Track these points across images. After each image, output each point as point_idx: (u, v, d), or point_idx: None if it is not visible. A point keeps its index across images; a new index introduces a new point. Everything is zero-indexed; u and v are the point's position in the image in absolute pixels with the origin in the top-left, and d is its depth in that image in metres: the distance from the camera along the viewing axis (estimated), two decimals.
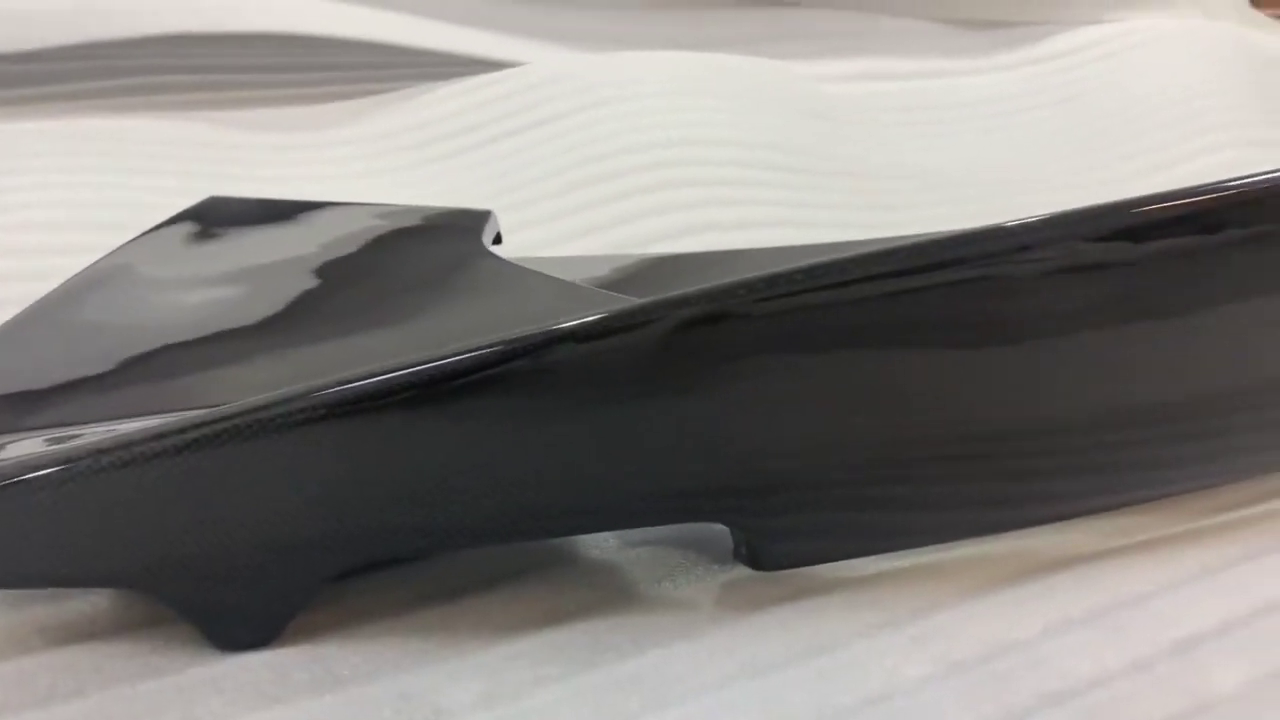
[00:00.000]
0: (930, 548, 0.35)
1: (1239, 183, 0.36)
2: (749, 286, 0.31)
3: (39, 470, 0.30)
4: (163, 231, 0.54)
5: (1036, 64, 0.94)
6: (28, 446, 0.33)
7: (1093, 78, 0.91)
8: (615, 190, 0.63)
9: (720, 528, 0.34)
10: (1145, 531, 0.37)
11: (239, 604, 0.31)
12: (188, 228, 0.55)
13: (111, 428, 0.33)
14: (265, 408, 0.30)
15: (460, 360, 0.29)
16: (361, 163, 0.72)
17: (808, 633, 0.32)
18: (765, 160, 0.68)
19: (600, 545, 0.36)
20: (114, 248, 0.50)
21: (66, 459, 0.30)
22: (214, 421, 0.30)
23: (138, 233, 0.52)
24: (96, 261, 0.48)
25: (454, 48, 0.77)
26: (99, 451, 0.30)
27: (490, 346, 0.29)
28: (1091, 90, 0.89)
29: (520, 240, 0.61)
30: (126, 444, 0.30)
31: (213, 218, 0.55)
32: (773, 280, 0.31)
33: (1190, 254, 0.36)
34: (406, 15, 0.78)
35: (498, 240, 0.52)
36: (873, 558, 0.35)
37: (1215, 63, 0.91)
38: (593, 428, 0.31)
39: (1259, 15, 1.33)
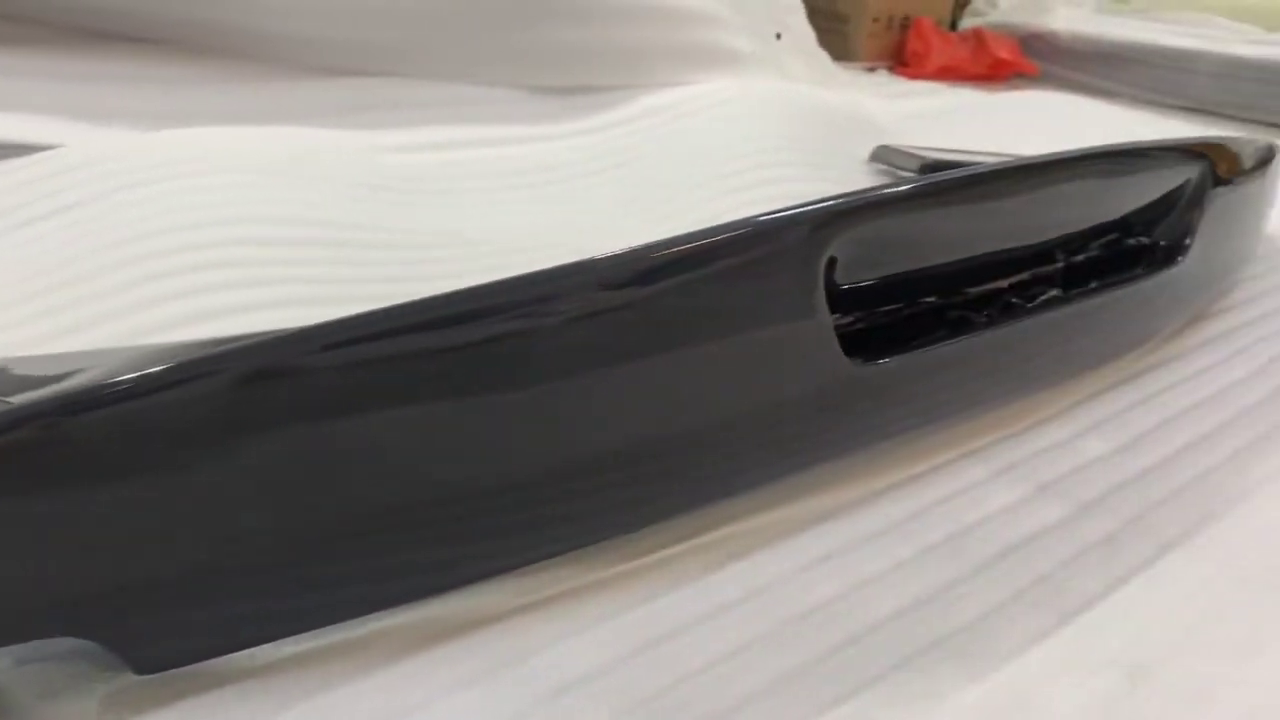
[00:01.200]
0: (338, 625, 0.37)
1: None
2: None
3: None
4: None
5: (607, 129, 0.98)
6: None
7: (657, 140, 0.96)
8: (135, 275, 0.61)
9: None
10: (556, 585, 0.40)
11: None
12: None
13: None
14: None
15: None
16: None
17: None
18: (307, 237, 0.69)
19: None
20: None
21: None
22: None
23: None
24: None
25: None
26: None
27: None
28: (653, 153, 0.94)
29: (30, 334, 0.59)
30: None
31: None
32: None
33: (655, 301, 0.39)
34: None
35: None
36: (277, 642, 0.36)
37: (772, 121, 0.99)
38: None
39: (842, 72, 1.47)
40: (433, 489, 0.36)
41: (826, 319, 0.42)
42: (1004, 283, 0.54)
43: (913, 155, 0.96)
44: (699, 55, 1.10)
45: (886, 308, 0.49)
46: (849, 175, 0.96)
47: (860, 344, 0.46)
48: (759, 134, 0.95)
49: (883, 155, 1.00)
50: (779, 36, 1.27)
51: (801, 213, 0.40)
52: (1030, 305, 0.54)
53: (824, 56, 1.41)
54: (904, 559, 0.44)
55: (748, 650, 0.38)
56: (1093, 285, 0.58)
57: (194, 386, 0.32)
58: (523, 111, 0.98)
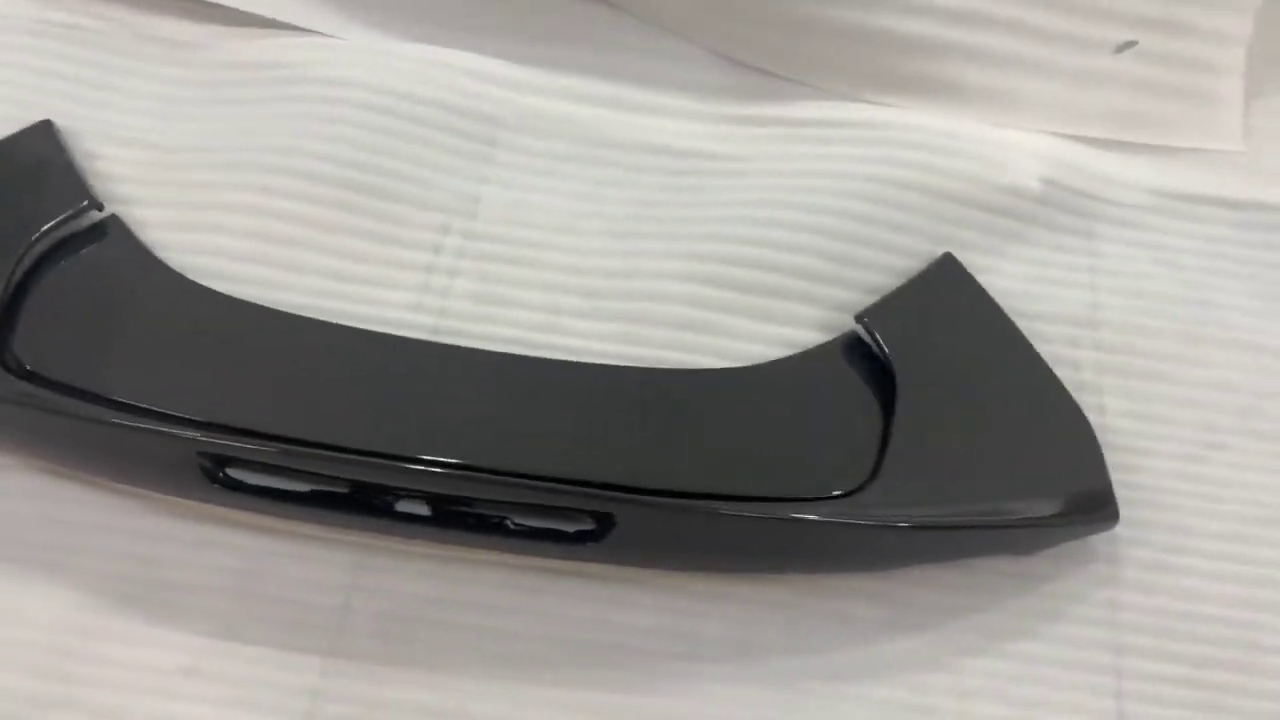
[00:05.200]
0: None
1: None
2: None
3: None
4: None
5: (770, 125, 1.10)
6: None
7: (775, 161, 1.07)
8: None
9: None
10: None
11: None
12: None
13: None
14: None
15: None
16: None
17: None
18: (345, 179, 1.02)
19: None
20: None
21: None
22: None
23: None
24: None
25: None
26: None
27: None
28: (752, 179, 1.06)
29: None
30: None
31: None
32: None
33: None
34: None
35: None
36: None
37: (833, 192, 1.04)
38: None
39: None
40: None
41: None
42: None
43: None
44: (912, 80, 1.12)
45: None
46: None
47: None
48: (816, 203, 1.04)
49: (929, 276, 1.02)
50: (1126, 46, 1.16)
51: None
52: None
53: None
54: None
55: None
56: None
57: None
58: (710, 81, 1.13)
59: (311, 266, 0.99)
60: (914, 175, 1.06)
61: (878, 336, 0.96)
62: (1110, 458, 0.95)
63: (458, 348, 0.91)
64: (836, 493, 0.85)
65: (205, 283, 0.96)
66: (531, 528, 0.83)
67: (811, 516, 0.82)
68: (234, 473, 0.83)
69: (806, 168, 1.07)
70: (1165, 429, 0.98)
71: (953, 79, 1.12)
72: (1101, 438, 0.96)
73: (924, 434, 0.90)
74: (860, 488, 0.85)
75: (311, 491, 0.83)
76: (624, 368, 0.92)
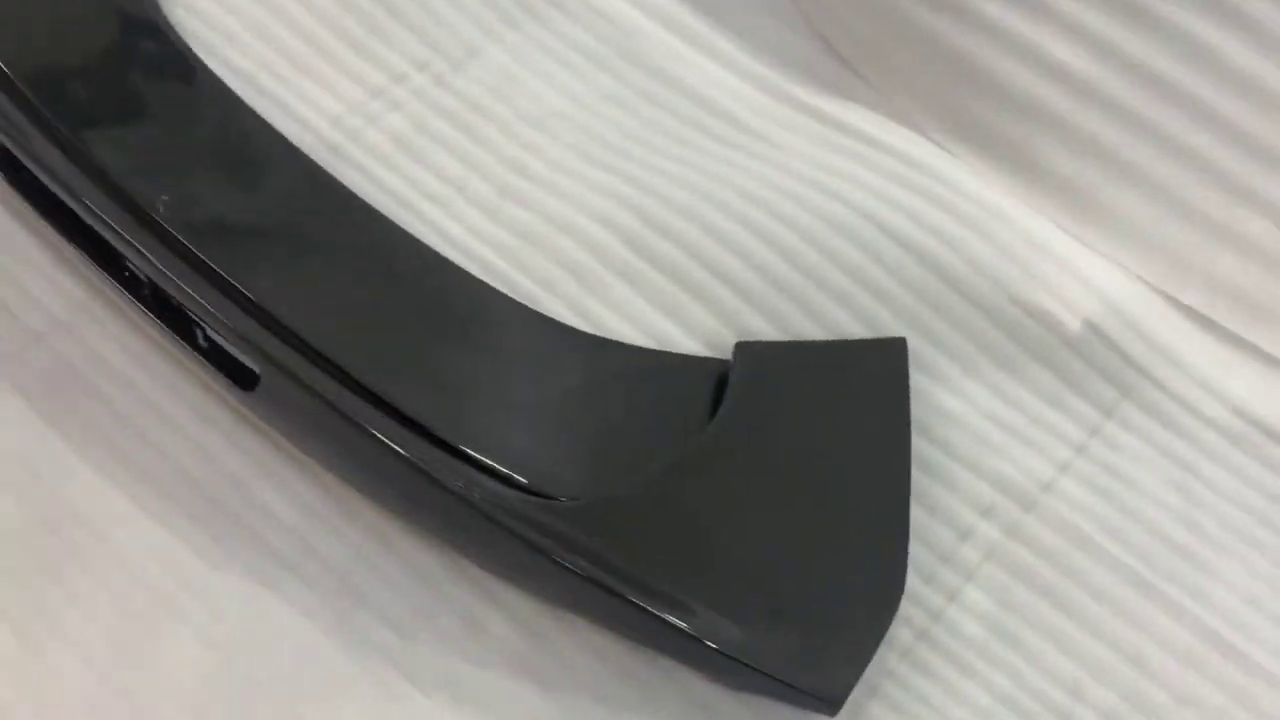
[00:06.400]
0: None
1: None
2: None
3: None
4: None
5: (830, 125, 0.93)
6: None
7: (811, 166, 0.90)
8: None
9: None
10: None
11: None
12: None
13: None
14: None
15: None
16: None
17: None
18: None
19: None
20: None
21: None
22: None
23: None
24: None
25: None
26: None
27: None
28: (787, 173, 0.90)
29: None
30: None
31: None
32: None
33: None
34: None
35: None
36: None
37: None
38: None
39: None
40: None
41: None
42: None
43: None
44: (994, 137, 0.91)
45: None
46: None
47: None
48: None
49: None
50: None
51: None
52: None
53: None
54: None
55: None
56: None
57: None
58: (783, 48, 0.97)
59: (279, 42, 0.95)
60: (930, 244, 0.86)
61: (737, 372, 0.79)
62: (920, 651, 0.75)
63: (304, 157, 0.84)
64: (528, 486, 0.70)
65: (175, 14, 0.94)
66: (215, 346, 0.75)
67: (454, 483, 0.68)
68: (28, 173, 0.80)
69: (820, 180, 0.89)
70: (1014, 658, 0.75)
71: (1043, 158, 0.89)
72: (926, 625, 0.76)
73: (690, 495, 0.73)
74: (558, 499, 0.70)
75: (76, 221, 0.79)
76: (448, 263, 0.82)
